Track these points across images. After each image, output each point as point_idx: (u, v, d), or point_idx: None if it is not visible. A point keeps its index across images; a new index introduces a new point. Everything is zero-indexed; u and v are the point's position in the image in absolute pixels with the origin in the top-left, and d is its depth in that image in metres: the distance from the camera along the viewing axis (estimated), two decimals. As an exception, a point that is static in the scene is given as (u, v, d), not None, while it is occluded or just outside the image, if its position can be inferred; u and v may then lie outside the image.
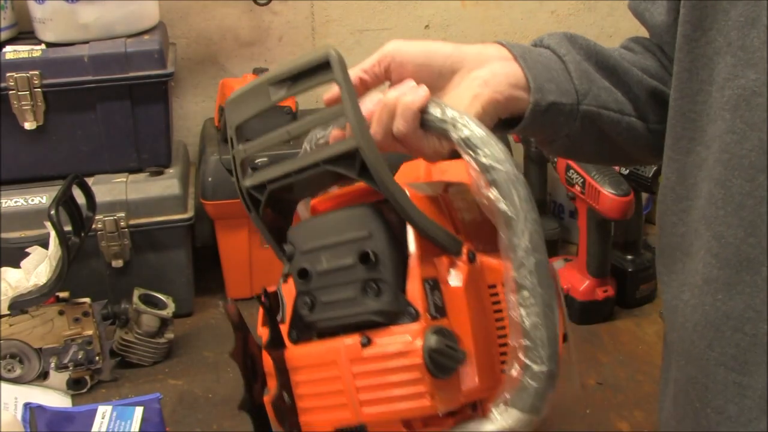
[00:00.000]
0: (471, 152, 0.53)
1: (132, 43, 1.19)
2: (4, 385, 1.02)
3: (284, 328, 0.58)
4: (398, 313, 0.53)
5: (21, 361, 1.04)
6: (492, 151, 0.52)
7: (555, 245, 1.43)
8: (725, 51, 0.56)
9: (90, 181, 1.16)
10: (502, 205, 0.52)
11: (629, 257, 1.28)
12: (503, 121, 0.65)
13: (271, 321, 0.59)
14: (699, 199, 0.60)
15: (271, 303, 0.60)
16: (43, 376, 1.05)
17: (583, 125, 0.67)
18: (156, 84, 1.20)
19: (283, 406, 0.58)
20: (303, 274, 0.56)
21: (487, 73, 0.62)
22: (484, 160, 0.52)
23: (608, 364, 1.13)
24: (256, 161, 1.23)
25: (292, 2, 1.46)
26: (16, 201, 1.16)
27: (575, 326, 1.22)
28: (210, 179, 1.23)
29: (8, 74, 1.13)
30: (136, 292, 1.14)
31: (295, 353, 0.57)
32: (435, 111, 0.56)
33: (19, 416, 0.89)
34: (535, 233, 0.51)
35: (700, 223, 0.60)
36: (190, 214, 1.21)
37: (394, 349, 0.52)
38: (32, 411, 0.86)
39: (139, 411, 0.88)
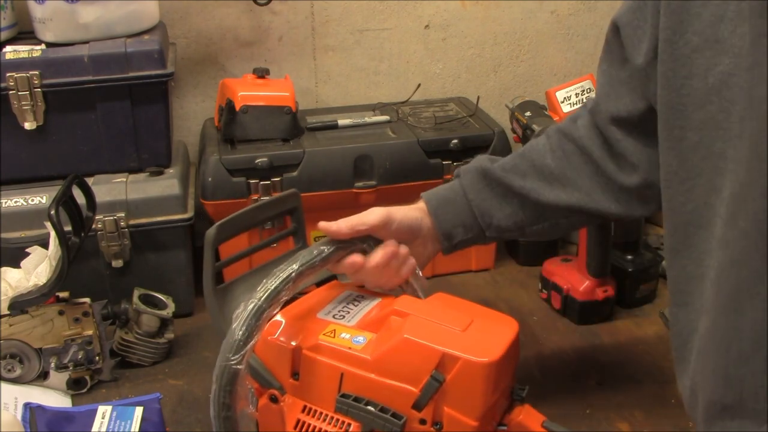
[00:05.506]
0: None
1: (132, 43, 1.19)
2: (4, 385, 1.02)
3: None
4: None
5: (21, 361, 1.04)
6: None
7: (555, 245, 1.43)
8: (703, 47, 0.68)
9: (90, 181, 1.16)
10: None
11: (629, 257, 1.28)
12: None
13: None
14: (701, 177, 0.70)
15: None
16: (43, 376, 1.05)
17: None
18: (156, 84, 1.20)
19: None
20: None
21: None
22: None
23: (608, 364, 1.13)
24: (256, 161, 1.24)
25: (292, 2, 1.46)
26: (16, 201, 1.16)
27: (575, 326, 1.22)
28: (210, 179, 1.23)
29: (8, 74, 1.13)
30: (136, 292, 1.14)
31: None
32: None
33: (19, 416, 0.89)
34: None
35: (709, 196, 0.69)
36: (190, 214, 1.21)
37: None
38: (32, 411, 0.87)
39: (139, 411, 0.88)
